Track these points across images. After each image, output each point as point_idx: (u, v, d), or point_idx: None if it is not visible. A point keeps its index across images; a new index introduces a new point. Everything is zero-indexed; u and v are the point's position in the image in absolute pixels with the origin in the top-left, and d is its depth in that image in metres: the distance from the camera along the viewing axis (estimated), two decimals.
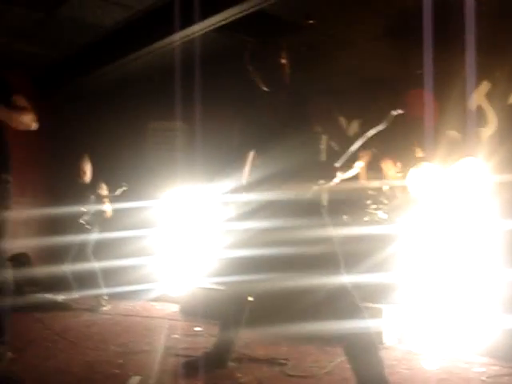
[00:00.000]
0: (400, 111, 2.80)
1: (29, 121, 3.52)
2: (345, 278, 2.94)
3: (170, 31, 5.61)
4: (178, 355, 4.03)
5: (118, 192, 6.46)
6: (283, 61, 3.22)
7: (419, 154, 5.30)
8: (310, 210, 3.07)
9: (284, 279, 3.22)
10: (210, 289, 5.65)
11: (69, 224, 6.38)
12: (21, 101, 3.51)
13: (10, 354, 3.56)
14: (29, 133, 3.61)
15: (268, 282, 3.35)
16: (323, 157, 3.18)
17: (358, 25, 5.89)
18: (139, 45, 6.07)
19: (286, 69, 3.24)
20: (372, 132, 2.86)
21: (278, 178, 3.09)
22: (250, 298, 3.55)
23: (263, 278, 3.27)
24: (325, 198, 3.17)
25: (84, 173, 6.51)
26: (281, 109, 3.20)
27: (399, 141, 5.34)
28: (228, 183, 3.34)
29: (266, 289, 3.46)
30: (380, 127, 2.83)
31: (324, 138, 3.15)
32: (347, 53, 6.28)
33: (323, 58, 6.35)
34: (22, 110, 3.49)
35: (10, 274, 3.58)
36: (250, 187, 3.28)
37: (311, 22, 5.93)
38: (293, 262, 3.02)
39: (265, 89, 3.28)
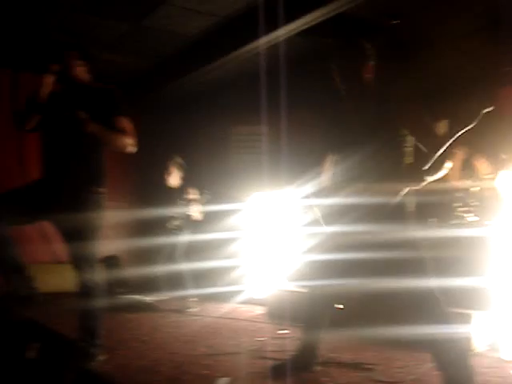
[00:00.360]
0: (490, 108, 2.70)
1: (124, 144, 3.62)
2: (432, 283, 2.88)
3: (255, 36, 5.67)
4: (265, 358, 4.06)
5: (202, 199, 6.61)
6: (367, 62, 3.17)
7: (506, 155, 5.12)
8: (395, 213, 3.02)
9: (370, 283, 3.18)
10: (296, 292, 5.65)
11: (158, 227, 6.57)
12: (123, 123, 3.62)
13: (102, 357, 3.68)
14: None
15: (354, 286, 3.32)
16: (408, 159, 3.11)
17: (444, 23, 5.75)
18: (224, 51, 6.17)
19: (370, 70, 3.19)
20: (461, 132, 2.78)
21: (362, 181, 3.05)
22: (341, 306, 3.52)
23: (349, 282, 3.24)
24: (411, 202, 3.10)
25: (169, 174, 6.66)
26: (364, 111, 3.15)
27: (490, 140, 5.19)
28: (311, 186, 3.33)
29: (353, 293, 3.43)
30: (470, 126, 2.75)
31: (410, 139, 3.07)
32: (433, 52, 6.14)
33: (408, 58, 6.24)
34: (119, 132, 3.60)
35: (102, 275, 3.72)
36: (333, 190, 3.26)
37: (395, 22, 5.85)
38: (378, 267, 2.99)
39: (348, 90, 3.24)
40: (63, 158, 3.68)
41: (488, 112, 2.73)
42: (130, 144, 3.63)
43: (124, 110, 3.66)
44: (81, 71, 3.71)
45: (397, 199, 3.03)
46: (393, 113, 3.06)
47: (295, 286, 5.75)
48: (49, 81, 3.60)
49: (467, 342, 3.94)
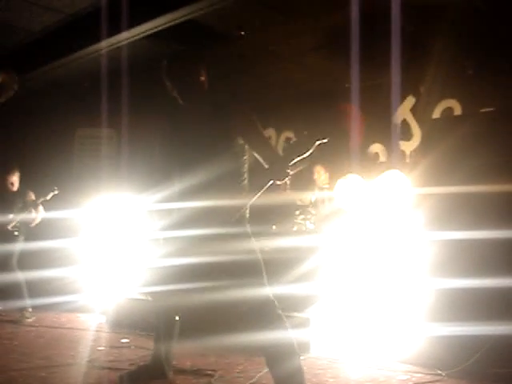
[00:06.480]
0: (325, 140, 2.83)
1: None
2: (267, 288, 2.96)
3: (99, 37, 5.54)
4: (103, 368, 3.96)
5: (49, 196, 6.36)
6: (201, 77, 3.17)
7: (347, 165, 5.42)
8: (230, 220, 3.05)
9: (207, 290, 3.18)
10: (137, 300, 5.56)
11: None
12: None
13: None
14: None
15: (193, 293, 3.31)
16: (246, 168, 3.17)
17: (290, 39, 5.97)
18: (68, 50, 5.96)
19: (205, 84, 3.19)
20: (297, 159, 2.87)
21: (199, 190, 3.05)
22: (177, 318, 3.50)
23: (188, 289, 3.23)
24: (247, 209, 3.15)
25: (12, 184, 6.44)
26: (200, 122, 3.14)
27: (328, 151, 5.46)
28: (152, 194, 3.30)
29: (192, 300, 3.43)
30: (305, 155, 2.85)
31: (248, 149, 3.14)
32: (280, 66, 6.36)
33: (255, 71, 6.41)
34: None
35: None
36: (173, 198, 3.24)
37: (242, 33, 5.98)
38: (213, 272, 3.02)
39: (183, 103, 3.22)
40: None
41: (323, 143, 2.85)
42: None
43: None
44: None
45: (230, 206, 3.06)
46: (230, 123, 3.09)
47: (136, 294, 5.65)
48: None
49: (303, 345, 4.09)
